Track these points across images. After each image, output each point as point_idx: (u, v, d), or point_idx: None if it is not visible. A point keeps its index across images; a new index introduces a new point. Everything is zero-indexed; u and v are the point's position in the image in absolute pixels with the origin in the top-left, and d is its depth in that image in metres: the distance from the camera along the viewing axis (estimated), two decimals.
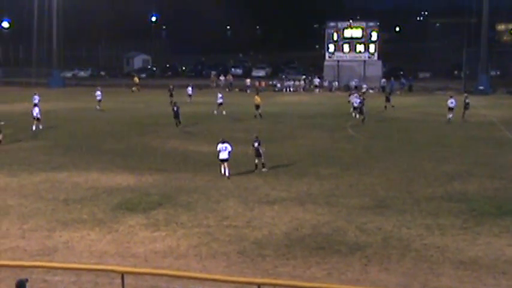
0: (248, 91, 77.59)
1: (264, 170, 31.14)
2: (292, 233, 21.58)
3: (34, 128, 43.90)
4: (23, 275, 13.69)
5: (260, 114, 51.38)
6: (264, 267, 18.51)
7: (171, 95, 58.49)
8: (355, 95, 55.61)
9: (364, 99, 52.03)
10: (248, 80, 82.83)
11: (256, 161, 31.36)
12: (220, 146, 30.19)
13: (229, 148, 30.08)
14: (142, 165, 32.68)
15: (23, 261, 18.05)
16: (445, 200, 25.83)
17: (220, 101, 55.11)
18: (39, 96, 54.27)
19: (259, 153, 31.16)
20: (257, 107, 52.01)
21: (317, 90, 79.43)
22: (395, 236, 21.30)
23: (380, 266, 18.56)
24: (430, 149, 37.81)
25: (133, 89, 78.98)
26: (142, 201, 25.54)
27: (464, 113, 51.29)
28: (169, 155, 35.74)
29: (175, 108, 46.41)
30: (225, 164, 30.06)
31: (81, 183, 28.54)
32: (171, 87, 60.93)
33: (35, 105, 47.86)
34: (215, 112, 54.19)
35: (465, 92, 62.55)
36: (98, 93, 58.59)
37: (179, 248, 20.07)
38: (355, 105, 52.11)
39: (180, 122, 45.94)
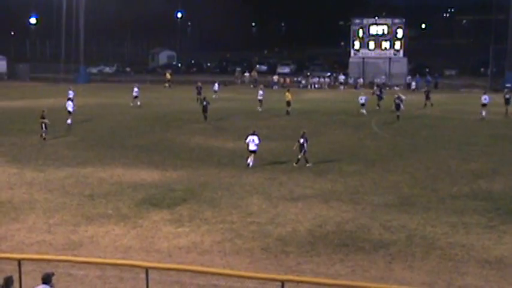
0: (275, 87, 77.47)
1: (307, 165, 31.43)
2: (316, 230, 21.55)
3: (69, 121, 44.31)
4: (48, 269, 13.80)
5: (288, 112, 51.35)
6: (287, 264, 18.50)
7: (199, 93, 58.48)
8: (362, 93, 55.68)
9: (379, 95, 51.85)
10: (275, 77, 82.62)
11: (299, 156, 31.66)
12: (249, 138, 31.40)
13: (256, 140, 31.24)
14: (167, 161, 32.80)
15: (49, 255, 18.20)
16: (470, 199, 25.65)
17: (260, 97, 55.10)
18: (74, 91, 54.75)
19: (302, 148, 31.60)
20: (288, 103, 52.07)
21: (342, 87, 79.21)
22: (419, 234, 21.18)
23: (404, 264, 18.48)
24: (456, 147, 37.56)
25: (166, 85, 79.11)
26: (167, 196, 25.64)
27: (507, 109, 51.86)
28: (193, 151, 35.83)
29: (204, 103, 48.07)
30: (252, 155, 31.23)
31: (106, 179, 28.70)
32: (199, 84, 60.97)
33: (69, 99, 48.55)
34: (259, 109, 54.21)
35: (505, 88, 62.33)
36: (136, 89, 58.30)
37: (203, 244, 20.12)
38: (362, 101, 52.85)
39: (206, 117, 47.04)
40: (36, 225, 21.93)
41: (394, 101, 49.73)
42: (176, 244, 20.10)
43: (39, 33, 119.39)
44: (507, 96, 52.97)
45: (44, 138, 38.48)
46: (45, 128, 38.69)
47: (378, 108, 55.05)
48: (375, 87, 65.11)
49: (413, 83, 76.31)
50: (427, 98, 58.16)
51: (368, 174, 29.96)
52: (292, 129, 43.59)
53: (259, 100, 54.80)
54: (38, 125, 39.10)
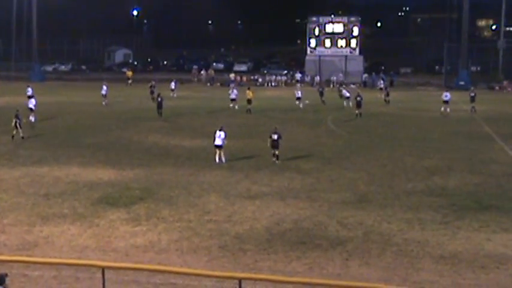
0: (232, 85, 77.37)
1: (277, 162, 31.82)
2: (273, 228, 21.61)
3: (33, 119, 43.92)
4: (2, 270, 13.60)
5: (249, 110, 51.36)
6: (245, 261, 18.54)
7: (152, 92, 58.23)
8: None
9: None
10: (232, 75, 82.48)
11: (272, 151, 32.04)
12: (217, 133, 31.88)
13: (222, 135, 31.69)
14: (124, 159, 32.59)
15: (3, 256, 17.91)
16: (425, 195, 26.00)
17: (233, 96, 55.00)
18: (32, 88, 54.34)
19: (277, 144, 31.97)
20: (249, 101, 52.09)
21: (298, 85, 79.52)
22: (376, 230, 21.40)
23: (361, 261, 18.65)
24: (412, 144, 38.00)
25: (129, 82, 78.68)
26: (123, 195, 25.48)
27: (473, 106, 53.21)
28: (150, 149, 35.66)
29: (159, 99, 48.53)
30: (219, 150, 31.74)
31: (62, 178, 28.40)
32: (153, 83, 60.70)
33: (30, 97, 48.79)
34: (231, 106, 54.23)
35: (471, 86, 63.46)
36: (104, 87, 57.85)
37: (160, 243, 20.05)
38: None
39: (162, 114, 47.61)
40: None
41: (355, 98, 50.07)
42: (133, 243, 19.99)
43: None
44: (472, 94, 54.56)
45: (22, 137, 37.87)
46: (20, 127, 37.94)
47: (323, 104, 57.04)
48: (315, 84, 70.75)
49: (381, 82, 76.29)
50: (387, 95, 58.93)
51: (325, 172, 30.16)
52: (250, 127, 43.82)
53: (232, 99, 54.69)
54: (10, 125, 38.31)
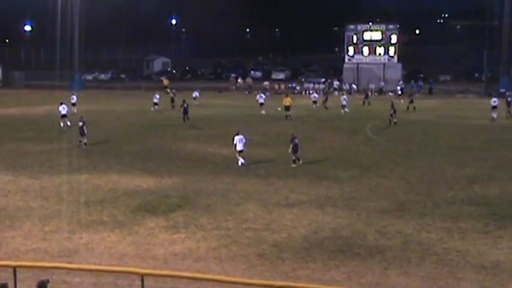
0: (267, 94, 77.51)
1: (293, 165, 32.60)
2: (311, 236, 21.55)
3: (69, 123, 45.93)
4: (44, 276, 13.77)
5: (289, 116, 51.85)
6: (283, 270, 18.50)
7: (173, 100, 59.15)
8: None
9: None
10: (266, 83, 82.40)
11: (294, 156, 32.93)
12: (236, 138, 32.86)
13: (244, 140, 32.79)
14: (162, 167, 32.78)
15: (44, 262, 18.16)
16: (465, 204, 25.67)
17: (261, 100, 56.75)
18: (77, 96, 56.81)
19: (297, 149, 32.93)
20: (287, 108, 52.34)
21: (336, 93, 79.24)
22: (415, 239, 21.20)
23: (400, 270, 18.48)
24: (451, 152, 37.61)
25: (168, 90, 79.31)
26: (162, 203, 25.62)
27: (509, 110, 53.59)
28: (188, 157, 35.82)
29: (185, 105, 50.29)
30: (241, 154, 32.66)
31: (102, 185, 28.67)
32: (174, 91, 62.40)
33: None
34: (263, 112, 55.56)
35: (501, 93, 63.10)
36: (157, 96, 59.69)
37: (198, 250, 20.10)
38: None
39: (188, 118, 49.71)
40: (32, 233, 21.89)
41: (392, 106, 49.70)
42: (172, 251, 20.08)
43: (34, 41, 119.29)
44: (509, 99, 54.71)
45: (85, 144, 38.57)
46: (83, 133, 38.69)
47: (326, 109, 59.02)
48: (354, 92, 74.43)
49: (398, 88, 75.90)
50: (411, 101, 58.78)
51: (363, 180, 29.98)
52: (287, 135, 43.62)
53: (260, 104, 56.38)
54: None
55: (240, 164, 32.64)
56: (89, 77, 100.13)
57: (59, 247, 20.40)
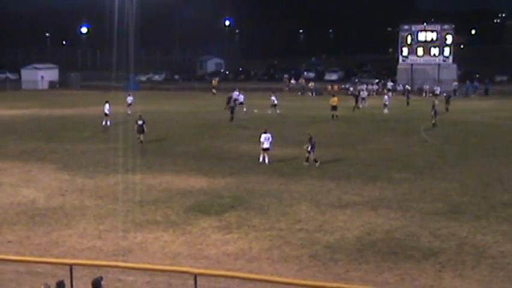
0: (314, 94, 77.96)
1: (305, 163, 32.97)
2: (364, 238, 21.42)
3: (109, 123, 47.58)
4: (98, 274, 13.99)
5: (333, 116, 51.71)
6: (336, 271, 18.43)
7: (228, 102, 59.28)
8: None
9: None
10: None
11: (308, 155, 33.07)
12: (263, 137, 33.67)
13: (270, 139, 33.60)
14: (215, 167, 32.96)
15: (99, 261, 18.44)
16: None
17: (275, 102, 57.69)
18: (133, 96, 58.00)
19: (312, 149, 33.07)
20: (334, 107, 52.28)
21: (390, 93, 78.56)
22: (470, 242, 20.89)
23: (454, 273, 18.25)
24: (507, 154, 36.94)
25: (214, 91, 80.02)
26: (215, 203, 25.76)
27: None
28: (241, 158, 35.94)
29: (232, 105, 53.50)
30: (266, 153, 33.54)
31: (155, 185, 28.97)
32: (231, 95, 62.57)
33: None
34: (274, 112, 56.38)
35: None
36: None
37: (251, 251, 20.16)
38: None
39: (233, 118, 51.06)
40: (87, 231, 22.26)
41: (433, 107, 49.00)
42: (224, 251, 20.18)
43: (90, 43, 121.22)
44: None
45: (141, 142, 40.06)
46: (142, 131, 40.21)
47: (354, 110, 58.15)
48: (351, 88, 75.93)
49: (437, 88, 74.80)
50: (447, 102, 57.91)
51: (417, 182, 29.67)
52: (340, 136, 43.57)
53: (273, 105, 57.63)
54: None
55: (260, 160, 33.58)
56: (143, 78, 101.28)
57: (113, 246, 20.69)
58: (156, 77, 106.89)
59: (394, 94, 77.33)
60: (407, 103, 64.00)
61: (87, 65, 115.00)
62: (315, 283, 15.81)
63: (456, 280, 17.74)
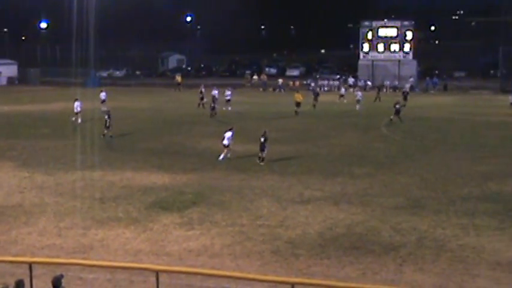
0: (282, 91, 77.73)
1: (261, 163, 32.49)
2: (325, 233, 21.52)
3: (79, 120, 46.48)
4: (59, 272, 13.83)
5: (297, 112, 51.95)
6: (297, 266, 18.49)
7: (202, 98, 58.75)
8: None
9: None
10: (280, 80, 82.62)
11: (260, 154, 32.79)
12: (226, 134, 34.08)
13: (229, 135, 33.90)
14: (177, 164, 32.83)
15: (59, 259, 18.21)
16: (480, 200, 25.56)
17: (228, 97, 57.62)
18: (106, 93, 57.62)
19: (264, 147, 32.83)
20: (298, 104, 52.46)
21: (351, 89, 79.01)
22: (430, 236, 21.13)
23: (415, 266, 18.43)
24: (466, 149, 37.46)
25: (180, 87, 79.69)
26: (177, 200, 25.67)
27: None
28: (203, 154, 35.85)
29: (212, 104, 52.09)
30: (226, 149, 33.72)
31: (116, 182, 28.76)
32: (203, 90, 61.57)
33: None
34: (228, 108, 56.30)
35: None
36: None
37: (213, 247, 20.13)
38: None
39: (216, 114, 50.78)
40: (47, 229, 22.00)
41: (395, 106, 49.21)
42: (186, 247, 20.12)
43: (50, 38, 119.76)
44: None
45: (111, 136, 40.57)
46: (108, 127, 40.70)
47: (314, 107, 57.00)
48: (368, 89, 74.05)
49: (407, 86, 75.39)
50: (405, 99, 58.89)
51: (378, 177, 29.91)
52: (301, 131, 43.70)
53: (227, 100, 57.26)
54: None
55: (220, 158, 33.57)
56: (104, 74, 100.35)
57: (74, 243, 20.49)
58: (117, 73, 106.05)
59: (354, 90, 77.74)
60: (377, 99, 64.15)
61: (47, 60, 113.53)
62: (277, 278, 15.85)
63: (416, 274, 17.92)
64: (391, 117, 48.06)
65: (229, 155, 33.62)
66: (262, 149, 32.73)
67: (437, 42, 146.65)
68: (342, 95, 65.05)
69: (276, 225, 22.37)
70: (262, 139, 32.78)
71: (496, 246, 20.10)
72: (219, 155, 33.64)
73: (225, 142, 33.74)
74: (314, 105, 57.18)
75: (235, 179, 29.33)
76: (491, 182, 28.71)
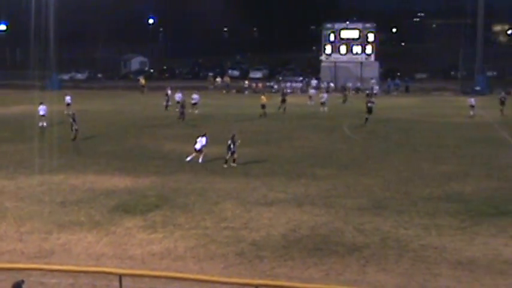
0: (246, 92, 77.84)
1: (233, 164, 32.59)
2: (289, 234, 21.56)
3: (44, 124, 46.05)
4: (20, 278, 13.65)
5: (262, 114, 51.96)
6: (261, 268, 18.50)
7: (168, 101, 58.52)
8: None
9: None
10: (246, 82, 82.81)
11: (227, 156, 32.85)
12: (199, 139, 33.96)
13: (203, 141, 33.80)
14: (140, 167, 32.64)
15: (20, 264, 17.99)
16: (442, 201, 25.86)
17: (195, 101, 56.99)
18: (71, 96, 56.80)
19: (231, 149, 32.84)
20: (263, 106, 52.60)
21: (313, 91, 79.30)
22: (392, 236, 21.30)
23: (378, 267, 18.56)
24: (427, 150, 37.86)
25: (145, 89, 79.14)
26: (140, 203, 25.51)
27: (502, 109, 55.16)
28: (166, 156, 35.71)
29: (181, 109, 51.09)
30: (198, 153, 33.69)
31: (78, 186, 28.49)
32: (169, 92, 61.08)
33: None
34: (196, 112, 55.51)
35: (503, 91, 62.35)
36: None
37: (176, 250, 20.05)
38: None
39: (184, 118, 50.00)
40: (7, 234, 21.70)
41: (367, 104, 49.88)
42: (149, 250, 20.01)
43: (9, 40, 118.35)
44: (502, 99, 56.17)
45: (74, 138, 40.60)
46: (74, 130, 40.85)
47: (280, 109, 56.43)
48: (331, 91, 73.62)
49: (376, 87, 76.13)
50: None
51: (341, 178, 30.07)
52: (265, 133, 43.77)
53: (193, 104, 56.48)
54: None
55: (188, 159, 33.66)
56: (66, 77, 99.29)
57: (35, 248, 20.25)
58: (79, 76, 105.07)
59: (317, 91, 78.09)
60: (345, 101, 64.92)
61: (6, 63, 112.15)
62: (241, 280, 15.82)
63: (379, 274, 18.05)
64: (366, 116, 48.44)
65: (200, 160, 33.39)
66: (232, 152, 32.65)
67: (402, 44, 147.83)
68: (310, 96, 65.01)
69: (239, 227, 22.36)
70: (229, 141, 32.74)
71: (457, 245, 20.34)
72: (187, 156, 33.65)
73: (197, 146, 33.69)
74: (284, 109, 56.60)
75: (199, 182, 29.25)
76: (453, 182, 29.06)
